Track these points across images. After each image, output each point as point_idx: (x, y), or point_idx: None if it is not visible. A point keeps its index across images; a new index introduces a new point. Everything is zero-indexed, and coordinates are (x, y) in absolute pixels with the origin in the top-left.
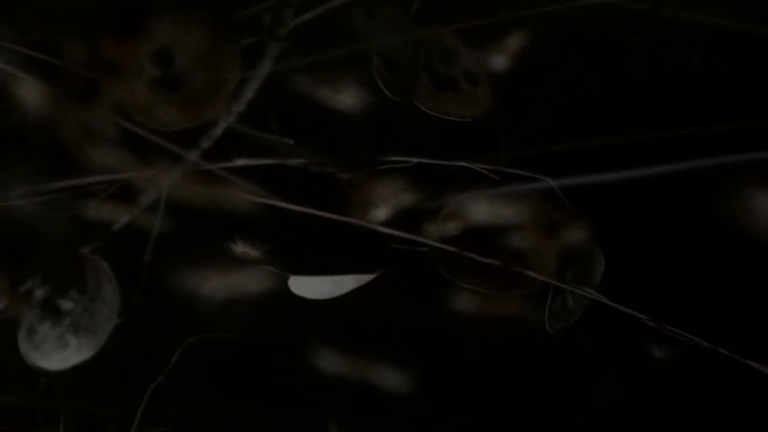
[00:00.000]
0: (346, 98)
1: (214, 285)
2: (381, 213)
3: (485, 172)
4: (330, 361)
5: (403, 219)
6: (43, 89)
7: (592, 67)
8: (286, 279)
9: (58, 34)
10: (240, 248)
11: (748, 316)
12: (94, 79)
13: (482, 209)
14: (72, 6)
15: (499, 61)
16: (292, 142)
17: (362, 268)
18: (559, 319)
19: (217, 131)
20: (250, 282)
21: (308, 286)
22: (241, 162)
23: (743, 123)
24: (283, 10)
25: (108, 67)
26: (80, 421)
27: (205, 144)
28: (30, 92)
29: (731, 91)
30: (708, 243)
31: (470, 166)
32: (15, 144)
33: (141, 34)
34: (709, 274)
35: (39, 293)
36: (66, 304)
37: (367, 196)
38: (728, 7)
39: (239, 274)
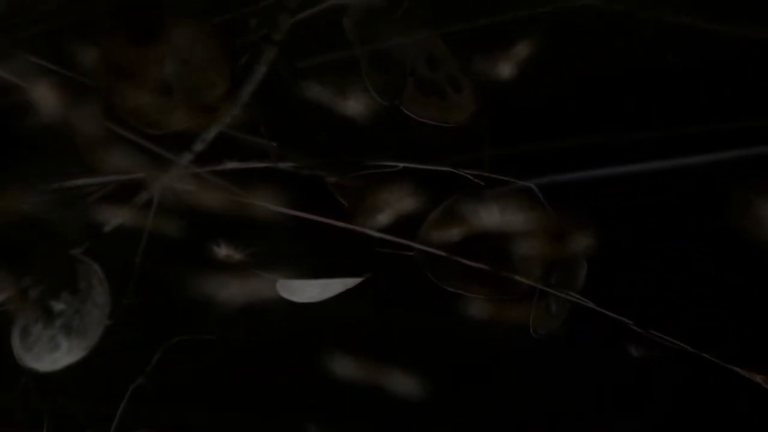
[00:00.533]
0: (355, 104)
1: (208, 287)
2: (385, 218)
3: (470, 177)
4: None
5: (399, 224)
6: (54, 92)
7: (572, 64)
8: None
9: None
10: (223, 251)
11: (739, 317)
12: (102, 83)
13: (470, 214)
14: (82, 10)
15: (497, 66)
16: (275, 144)
17: (349, 272)
18: (542, 324)
19: (211, 134)
20: (243, 286)
21: (296, 290)
22: (231, 165)
23: (720, 123)
24: (279, 14)
25: (117, 70)
26: (64, 421)
27: (198, 147)
28: (42, 95)
29: (704, 91)
30: (703, 242)
31: (455, 171)
32: (24, 145)
33: (152, 38)
34: (703, 274)
35: (32, 294)
36: (58, 306)
37: (373, 201)
38: (701, 8)
39: (232, 279)
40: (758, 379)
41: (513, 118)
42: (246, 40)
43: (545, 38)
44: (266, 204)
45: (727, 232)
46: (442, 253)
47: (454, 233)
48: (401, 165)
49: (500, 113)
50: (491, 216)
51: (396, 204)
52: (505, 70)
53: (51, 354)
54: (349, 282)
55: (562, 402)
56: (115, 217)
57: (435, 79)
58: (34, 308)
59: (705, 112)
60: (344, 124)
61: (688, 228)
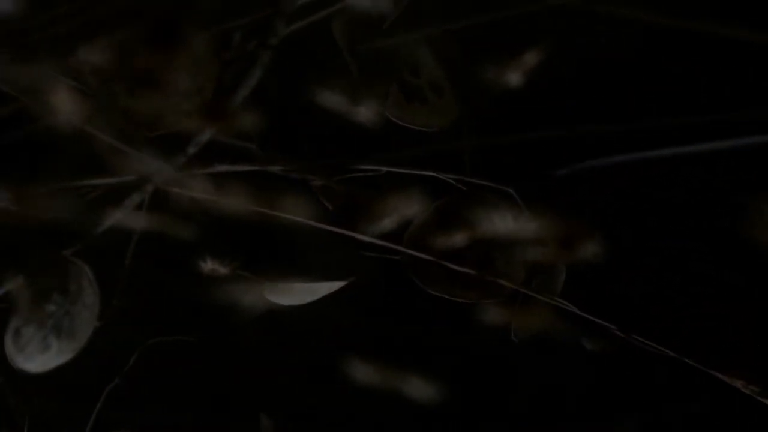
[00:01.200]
0: (365, 111)
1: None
2: (390, 223)
3: (452, 181)
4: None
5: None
6: (75, 95)
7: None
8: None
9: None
10: (209, 266)
11: (720, 321)
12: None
13: (457, 218)
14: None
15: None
16: (255, 146)
17: (334, 275)
18: (523, 328)
19: (204, 137)
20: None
21: (283, 293)
22: (222, 168)
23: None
24: (275, 19)
25: (133, 74)
26: (39, 422)
27: (192, 150)
28: (63, 98)
29: (663, 85)
30: (693, 243)
31: (437, 175)
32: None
33: (170, 44)
34: (694, 275)
35: (26, 296)
36: (49, 307)
37: (382, 206)
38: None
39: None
40: (739, 384)
41: (496, 117)
42: (243, 46)
43: (526, 38)
44: (256, 207)
45: (722, 232)
46: (429, 257)
47: (440, 237)
48: (384, 169)
49: (484, 113)
50: (478, 220)
51: (404, 209)
52: (513, 78)
53: (42, 355)
54: (334, 285)
55: (570, 405)
56: (106, 219)
57: (418, 84)
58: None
59: (684, 106)
60: (335, 129)
61: (681, 228)
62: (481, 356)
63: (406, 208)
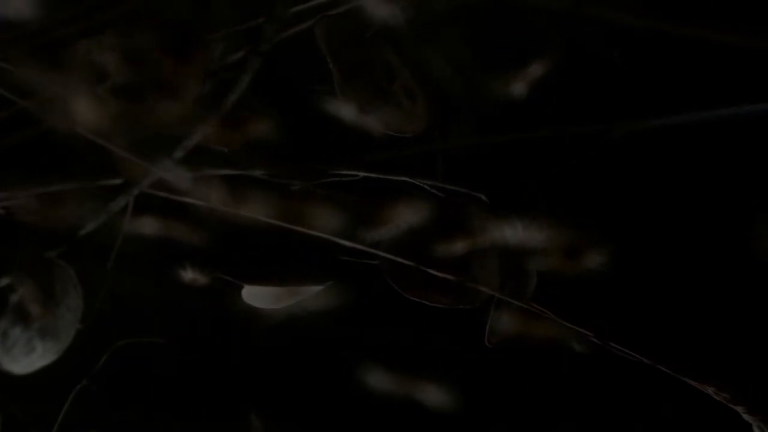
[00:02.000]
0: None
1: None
2: (390, 230)
3: (427, 187)
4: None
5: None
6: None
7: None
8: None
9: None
10: (189, 275)
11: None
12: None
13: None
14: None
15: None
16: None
17: (312, 279)
18: (496, 333)
19: (192, 141)
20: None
21: (261, 296)
22: (210, 172)
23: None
24: (268, 25)
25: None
26: (8, 422)
27: (179, 153)
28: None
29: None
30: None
31: (412, 181)
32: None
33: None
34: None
35: (14, 297)
36: (37, 309)
37: (389, 215)
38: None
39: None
40: (710, 390)
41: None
42: (224, 57)
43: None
44: (239, 211)
45: (706, 237)
46: (408, 262)
47: (419, 243)
48: (362, 174)
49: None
50: (487, 229)
51: (407, 216)
52: (516, 89)
53: (27, 356)
54: (312, 290)
55: (578, 412)
56: (90, 221)
57: (392, 89)
58: (10, 313)
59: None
60: (315, 134)
61: (664, 235)
62: (482, 359)
63: (411, 216)
